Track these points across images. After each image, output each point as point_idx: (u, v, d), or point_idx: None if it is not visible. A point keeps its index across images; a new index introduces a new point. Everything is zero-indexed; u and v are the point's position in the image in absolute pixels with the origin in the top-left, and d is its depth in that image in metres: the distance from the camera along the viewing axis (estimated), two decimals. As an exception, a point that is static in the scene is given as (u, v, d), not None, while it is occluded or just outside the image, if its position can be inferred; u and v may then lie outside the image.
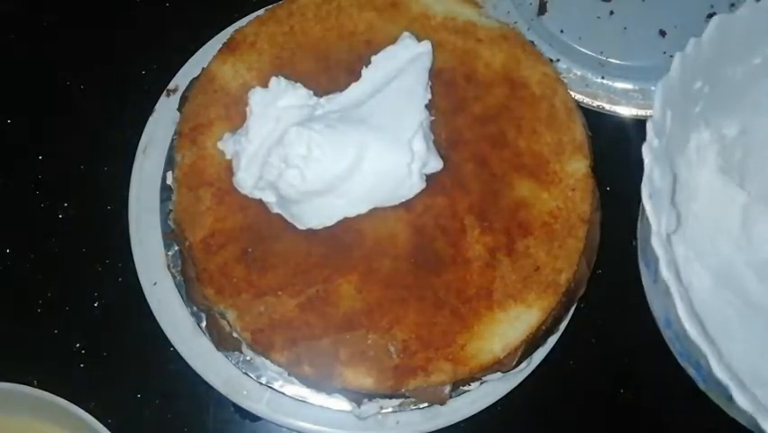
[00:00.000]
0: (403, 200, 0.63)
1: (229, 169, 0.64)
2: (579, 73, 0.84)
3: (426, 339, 0.61)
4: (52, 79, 0.83)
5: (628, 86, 0.84)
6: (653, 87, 0.83)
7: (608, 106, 0.83)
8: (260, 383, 0.68)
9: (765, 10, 0.65)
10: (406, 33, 0.66)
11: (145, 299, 0.70)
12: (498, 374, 0.65)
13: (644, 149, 0.58)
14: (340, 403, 0.67)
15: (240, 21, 0.75)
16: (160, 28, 0.85)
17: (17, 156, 0.80)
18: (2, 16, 0.85)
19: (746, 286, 0.68)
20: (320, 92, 0.64)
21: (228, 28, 0.77)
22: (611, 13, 0.88)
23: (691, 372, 0.65)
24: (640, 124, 0.83)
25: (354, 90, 0.64)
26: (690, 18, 0.88)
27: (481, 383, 0.67)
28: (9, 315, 0.74)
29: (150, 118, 0.75)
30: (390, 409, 0.67)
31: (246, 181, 0.62)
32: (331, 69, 0.68)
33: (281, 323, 0.61)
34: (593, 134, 0.69)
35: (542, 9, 0.88)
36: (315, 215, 0.62)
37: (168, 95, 0.76)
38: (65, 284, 0.75)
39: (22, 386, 0.63)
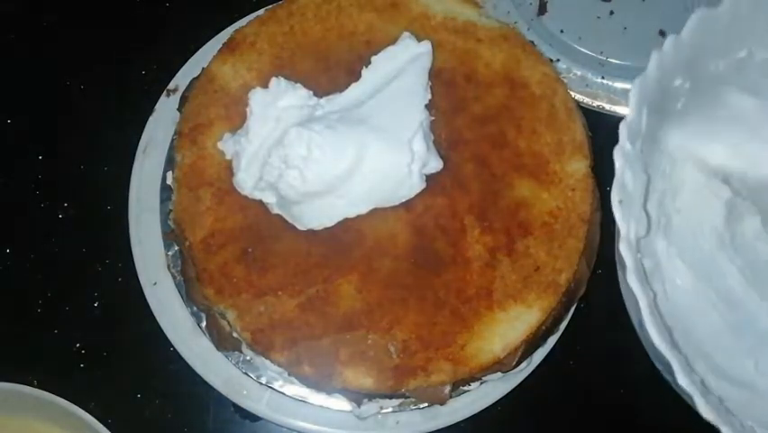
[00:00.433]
0: (403, 200, 0.63)
1: (229, 169, 0.64)
2: (579, 73, 0.84)
3: (426, 339, 0.61)
4: (52, 79, 0.83)
5: (628, 86, 0.83)
6: (653, 87, 0.83)
7: (608, 106, 0.83)
8: (260, 383, 0.68)
9: (747, 4, 0.64)
10: (406, 33, 0.65)
11: (145, 300, 0.70)
12: (498, 374, 0.65)
13: (616, 152, 0.58)
14: (340, 403, 0.67)
15: (240, 21, 0.75)
16: (160, 28, 0.85)
17: (17, 156, 0.80)
18: (2, 16, 0.85)
19: (729, 283, 0.68)
20: (320, 92, 0.64)
21: (228, 28, 0.77)
22: (611, 13, 0.88)
23: (663, 371, 0.65)
24: (640, 124, 0.83)
25: (354, 90, 0.64)
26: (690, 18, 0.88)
27: (481, 383, 0.67)
28: (9, 315, 0.74)
29: (150, 118, 0.75)
30: (390, 409, 0.67)
31: (246, 182, 0.62)
32: (331, 70, 0.68)
33: (281, 323, 0.61)
34: (593, 134, 0.69)
35: (542, 9, 0.88)
36: (316, 215, 0.62)
37: (168, 95, 0.76)
38: (65, 284, 0.75)
39: (22, 386, 0.63)
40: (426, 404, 0.67)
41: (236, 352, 0.67)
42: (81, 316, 0.74)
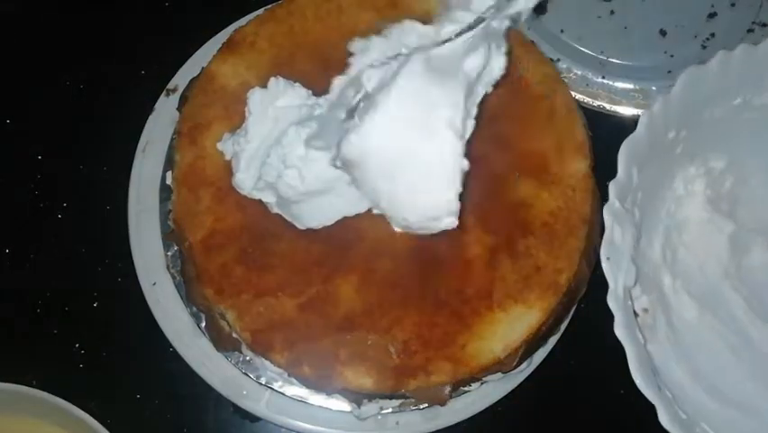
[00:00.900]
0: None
1: (228, 168, 0.64)
2: (579, 73, 0.84)
3: (426, 339, 0.61)
4: (52, 79, 0.82)
5: (629, 85, 0.84)
6: (653, 87, 0.83)
7: (608, 106, 0.83)
8: (260, 384, 0.68)
9: (738, 58, 0.67)
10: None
11: (145, 300, 0.70)
12: (499, 375, 0.65)
13: (606, 210, 0.61)
14: (339, 404, 0.67)
15: (239, 20, 0.75)
16: (160, 27, 0.85)
17: (16, 156, 0.80)
18: (2, 16, 0.85)
19: (734, 312, 0.70)
20: (319, 92, 0.64)
21: (228, 27, 0.76)
22: (612, 12, 0.88)
23: None
24: (641, 123, 0.83)
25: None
26: (691, 17, 0.88)
27: (482, 384, 0.67)
28: (8, 315, 0.74)
29: (150, 118, 0.75)
30: (390, 410, 0.66)
31: (245, 182, 0.62)
32: (331, 69, 0.67)
33: (281, 323, 0.61)
34: (593, 134, 0.69)
35: (542, 9, 0.88)
36: (315, 214, 0.61)
37: (167, 94, 0.76)
38: (64, 284, 0.75)
39: (21, 387, 0.63)
40: (426, 405, 0.67)
41: (236, 352, 0.67)
42: (80, 316, 0.74)
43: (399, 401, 0.66)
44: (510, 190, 0.64)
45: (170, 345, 0.69)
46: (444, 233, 0.63)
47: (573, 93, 0.76)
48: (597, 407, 0.75)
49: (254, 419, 0.72)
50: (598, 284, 0.69)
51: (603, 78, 0.84)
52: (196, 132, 0.66)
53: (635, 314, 0.66)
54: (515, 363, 0.63)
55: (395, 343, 0.60)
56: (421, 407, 0.67)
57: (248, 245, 0.62)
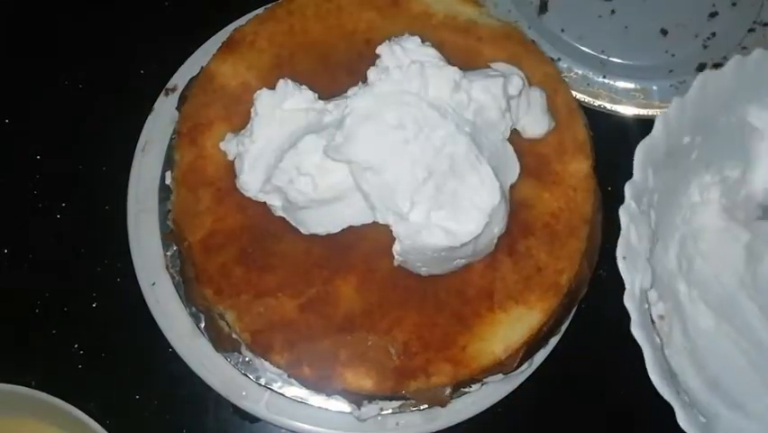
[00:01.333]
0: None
1: (228, 168, 0.64)
2: (580, 72, 0.84)
3: (427, 340, 0.60)
4: (51, 79, 0.82)
5: (630, 85, 0.83)
6: (654, 87, 0.83)
7: (609, 106, 0.83)
8: (259, 384, 0.68)
9: (751, 63, 0.67)
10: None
11: (144, 300, 0.70)
12: (500, 376, 0.65)
13: (622, 211, 0.61)
14: (339, 405, 0.67)
15: (239, 20, 0.75)
16: (160, 27, 0.85)
17: (15, 156, 0.79)
18: (1, 16, 0.85)
19: (750, 322, 0.69)
20: (320, 91, 0.64)
21: (227, 27, 0.76)
22: (612, 12, 0.88)
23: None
24: (642, 123, 0.83)
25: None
26: (692, 17, 0.88)
27: (482, 385, 0.67)
28: (8, 315, 0.74)
29: (149, 117, 0.75)
30: (390, 411, 0.66)
31: (251, 184, 0.62)
32: (331, 69, 0.68)
33: (281, 324, 0.60)
34: (594, 134, 0.69)
35: (543, 8, 0.88)
36: (322, 221, 0.61)
37: (167, 94, 0.76)
38: (63, 285, 0.75)
39: (20, 387, 0.63)
40: (427, 406, 0.67)
41: (235, 353, 0.67)
42: (80, 316, 0.74)
43: (399, 402, 0.66)
44: (511, 190, 0.64)
45: (170, 346, 0.69)
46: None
47: (574, 92, 0.76)
48: (597, 407, 0.75)
49: (254, 419, 0.72)
50: (598, 285, 0.69)
51: (604, 77, 0.84)
52: (196, 131, 0.65)
53: (652, 321, 0.66)
54: (515, 365, 0.63)
55: (395, 344, 0.60)
56: (421, 408, 0.67)
57: (248, 246, 0.62)
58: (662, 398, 0.74)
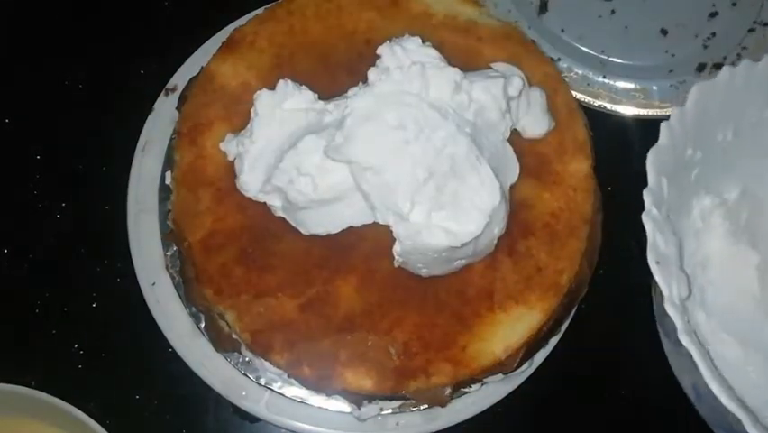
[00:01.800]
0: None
1: (228, 168, 0.64)
2: (580, 72, 0.84)
3: (427, 341, 0.60)
4: (51, 79, 0.82)
5: (630, 85, 0.83)
6: (654, 87, 0.83)
7: (609, 106, 0.83)
8: (259, 384, 0.68)
9: (741, 74, 0.66)
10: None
11: (144, 300, 0.70)
12: (500, 376, 0.64)
13: (645, 217, 0.59)
14: (339, 405, 0.67)
15: (239, 19, 0.75)
16: (159, 26, 0.85)
17: (15, 156, 0.79)
18: (1, 16, 0.85)
19: None
20: (320, 91, 0.64)
21: (227, 27, 0.76)
22: (612, 12, 0.88)
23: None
24: (642, 123, 0.83)
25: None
26: (692, 17, 0.88)
27: (482, 385, 0.66)
28: (7, 316, 0.74)
29: (149, 117, 0.75)
30: (390, 411, 0.66)
31: (251, 184, 0.62)
32: (331, 69, 0.68)
33: (281, 324, 0.60)
34: (594, 134, 0.69)
35: (543, 8, 0.88)
36: (322, 222, 0.61)
37: (167, 94, 0.76)
38: (63, 285, 0.75)
39: (20, 387, 0.63)
40: (427, 406, 0.66)
41: (235, 353, 0.67)
42: (79, 316, 0.74)
43: (399, 402, 0.66)
44: (511, 190, 0.64)
45: (170, 346, 0.69)
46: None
47: (574, 92, 0.76)
48: (597, 407, 0.75)
49: (254, 419, 0.72)
50: (598, 285, 0.69)
51: (604, 77, 0.84)
52: (196, 132, 0.65)
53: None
54: (515, 365, 0.63)
55: (395, 344, 0.60)
56: (421, 408, 0.67)
57: (248, 246, 0.62)
58: (662, 398, 0.74)
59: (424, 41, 0.62)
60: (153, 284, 0.70)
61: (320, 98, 0.63)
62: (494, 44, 0.69)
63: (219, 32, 0.77)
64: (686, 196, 0.68)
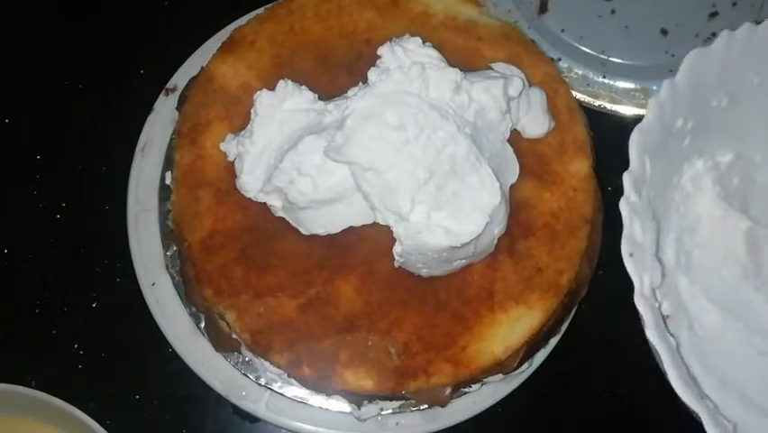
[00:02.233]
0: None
1: (228, 168, 0.64)
2: (580, 72, 0.84)
3: (427, 341, 0.60)
4: (50, 78, 0.82)
5: (630, 85, 0.83)
6: (654, 87, 0.83)
7: (609, 106, 0.83)
8: (259, 384, 0.68)
9: (739, 40, 0.65)
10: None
11: (144, 300, 0.70)
12: (500, 376, 0.64)
13: (622, 204, 0.58)
14: (339, 405, 0.67)
15: (239, 19, 0.75)
16: (159, 26, 0.85)
17: (15, 156, 0.79)
18: (1, 16, 0.85)
19: (758, 313, 0.67)
20: (320, 92, 0.64)
21: (227, 27, 0.76)
22: (612, 11, 0.88)
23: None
24: (642, 123, 0.83)
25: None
26: (692, 17, 0.88)
27: (482, 385, 0.66)
28: (7, 316, 0.74)
29: (149, 117, 0.75)
30: (390, 411, 0.66)
31: (251, 185, 0.62)
32: (331, 69, 0.68)
33: (281, 324, 0.60)
34: (594, 134, 0.69)
35: (543, 8, 0.88)
36: (322, 222, 0.61)
37: (166, 94, 0.76)
38: (63, 285, 0.75)
39: (20, 387, 0.63)
40: (427, 406, 0.66)
41: (235, 353, 0.67)
42: (80, 316, 0.74)
43: (400, 402, 0.66)
44: (511, 190, 0.64)
45: (170, 346, 0.69)
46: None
47: (574, 92, 0.76)
48: (596, 407, 0.75)
49: (254, 419, 0.72)
50: (598, 285, 0.69)
51: (604, 77, 0.84)
52: (196, 132, 0.65)
53: (663, 321, 0.63)
54: (515, 365, 0.63)
55: (395, 344, 0.60)
56: (421, 408, 0.67)
57: (247, 246, 0.62)
58: (661, 399, 0.74)
59: (424, 42, 0.62)
60: (153, 284, 0.70)
61: (320, 99, 0.63)
62: (494, 44, 0.69)
63: (219, 32, 0.77)
64: (676, 161, 0.67)
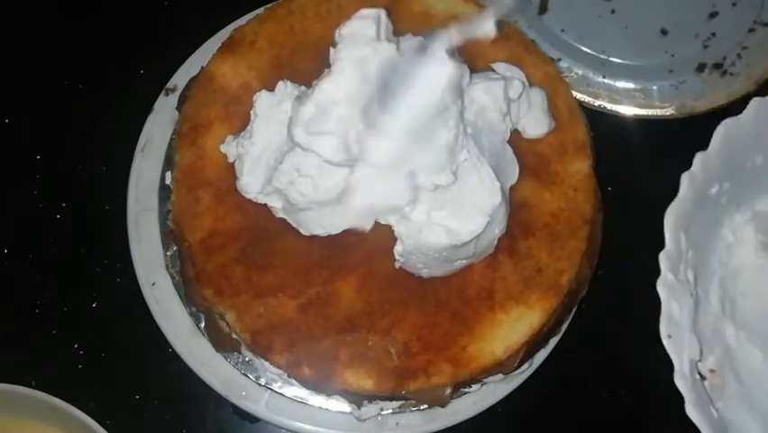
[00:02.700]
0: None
1: (228, 169, 0.64)
2: (580, 72, 0.84)
3: (427, 341, 0.60)
4: (50, 78, 0.82)
5: (630, 85, 0.83)
6: (654, 87, 0.83)
7: (609, 106, 0.83)
8: (260, 384, 0.68)
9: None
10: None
11: (144, 300, 0.70)
12: (500, 376, 0.64)
13: (660, 285, 0.60)
14: (339, 405, 0.67)
15: (239, 19, 0.75)
16: (159, 26, 0.85)
17: (15, 156, 0.79)
18: (1, 16, 0.85)
19: None
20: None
21: (227, 27, 0.76)
22: (612, 11, 0.88)
23: None
24: (642, 123, 0.83)
25: None
26: (692, 17, 0.88)
27: (482, 385, 0.66)
28: (7, 316, 0.74)
29: (149, 118, 0.75)
30: (390, 411, 0.66)
31: (251, 186, 0.62)
32: (331, 69, 0.67)
33: (281, 324, 0.60)
34: (595, 134, 0.69)
35: (543, 8, 0.88)
36: (322, 223, 0.61)
37: (166, 94, 0.76)
38: (63, 285, 0.75)
39: (20, 387, 0.63)
40: (427, 406, 0.66)
41: (235, 353, 0.67)
42: (79, 316, 0.74)
43: (400, 403, 0.66)
44: (512, 190, 0.64)
45: (170, 346, 0.69)
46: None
47: (574, 92, 0.76)
48: (597, 408, 0.75)
49: (254, 419, 0.72)
50: (598, 285, 0.69)
51: (604, 77, 0.84)
52: (196, 132, 0.65)
53: (702, 377, 0.64)
54: (516, 365, 0.63)
55: (395, 344, 0.60)
56: (421, 408, 0.67)
57: (248, 246, 0.62)
58: (661, 399, 0.74)
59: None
60: (153, 284, 0.70)
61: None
62: (494, 44, 0.69)
63: (219, 32, 0.77)
64: (715, 219, 0.69)
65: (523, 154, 0.65)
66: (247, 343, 0.61)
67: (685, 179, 0.62)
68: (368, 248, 0.62)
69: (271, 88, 0.62)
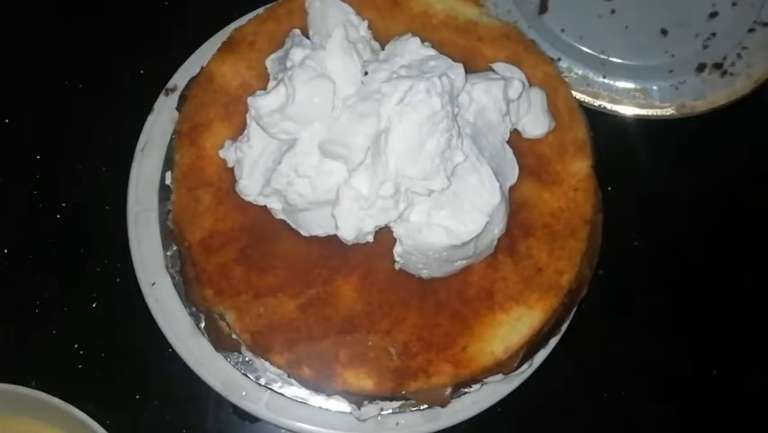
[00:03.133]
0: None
1: (228, 169, 0.64)
2: (580, 72, 0.84)
3: (427, 341, 0.60)
4: (50, 79, 0.82)
5: (630, 85, 0.83)
6: (654, 87, 0.83)
7: (609, 106, 0.83)
8: (259, 384, 0.67)
9: None
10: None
11: (144, 300, 0.70)
12: (500, 376, 0.64)
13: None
14: (339, 405, 0.67)
15: (239, 19, 0.75)
16: (159, 26, 0.85)
17: (15, 156, 0.79)
18: (1, 16, 0.85)
19: None
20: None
21: (227, 27, 0.76)
22: (612, 11, 0.88)
23: None
24: (642, 123, 0.83)
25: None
26: (692, 17, 0.88)
27: (482, 385, 0.66)
28: (8, 316, 0.74)
29: (149, 118, 0.75)
30: (391, 411, 0.66)
31: (250, 188, 0.62)
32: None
33: (281, 324, 0.60)
34: (594, 134, 0.69)
35: (543, 8, 0.88)
36: (321, 223, 0.61)
37: (166, 94, 0.76)
38: (63, 285, 0.75)
39: (20, 387, 0.63)
40: (427, 406, 0.66)
41: (235, 353, 0.67)
42: (79, 316, 0.74)
43: (400, 403, 0.66)
44: (512, 190, 0.64)
45: (170, 346, 0.69)
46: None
47: (574, 92, 0.76)
48: (597, 408, 0.75)
49: (254, 419, 0.72)
50: (598, 285, 0.69)
51: (604, 77, 0.84)
52: (196, 132, 0.65)
53: None
54: (515, 365, 0.63)
55: (395, 344, 0.60)
56: (421, 408, 0.67)
57: (248, 246, 0.62)
58: (661, 399, 0.74)
59: (423, 41, 0.62)
60: (153, 284, 0.70)
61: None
62: (494, 44, 0.69)
63: (219, 32, 0.77)
64: None
65: (523, 154, 0.65)
66: (247, 343, 0.61)
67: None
68: (368, 248, 0.62)
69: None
